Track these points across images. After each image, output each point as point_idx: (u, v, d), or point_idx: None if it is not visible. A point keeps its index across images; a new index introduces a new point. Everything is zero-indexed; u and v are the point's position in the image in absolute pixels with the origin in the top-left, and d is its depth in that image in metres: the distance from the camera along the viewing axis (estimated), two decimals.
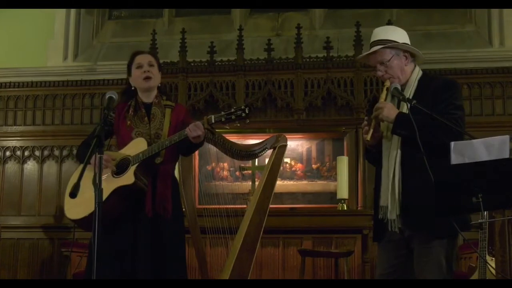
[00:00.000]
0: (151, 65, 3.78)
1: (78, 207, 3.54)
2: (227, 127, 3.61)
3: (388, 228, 3.24)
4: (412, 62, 3.40)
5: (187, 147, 3.63)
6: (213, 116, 3.47)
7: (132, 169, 3.50)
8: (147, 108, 3.77)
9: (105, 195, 3.32)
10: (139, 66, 3.77)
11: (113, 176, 3.51)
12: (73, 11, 7.60)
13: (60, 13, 7.57)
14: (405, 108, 3.25)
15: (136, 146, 3.59)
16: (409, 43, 3.40)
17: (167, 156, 3.65)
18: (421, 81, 3.35)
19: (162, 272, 3.53)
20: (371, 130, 3.22)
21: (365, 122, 3.28)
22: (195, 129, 3.43)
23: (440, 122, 3.11)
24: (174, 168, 3.84)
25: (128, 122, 3.71)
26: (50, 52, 7.54)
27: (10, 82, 7.44)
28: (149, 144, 3.57)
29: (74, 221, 3.62)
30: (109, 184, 3.40)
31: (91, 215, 3.41)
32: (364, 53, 3.42)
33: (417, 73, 3.38)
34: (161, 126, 3.71)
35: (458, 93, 3.34)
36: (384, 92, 3.31)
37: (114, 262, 3.46)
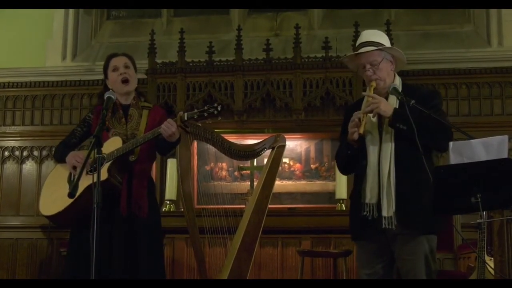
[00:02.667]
0: (126, 67, 3.81)
1: (52, 204, 3.60)
2: (199, 124, 3.65)
3: (372, 226, 3.28)
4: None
5: (164, 146, 3.67)
6: (186, 114, 3.53)
7: (106, 166, 3.51)
8: (125, 109, 3.81)
9: (78, 192, 3.35)
10: (115, 69, 3.80)
11: (87, 174, 3.53)
12: (71, 11, 7.60)
13: (59, 13, 7.57)
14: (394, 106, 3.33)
15: (112, 145, 3.62)
16: None
17: (142, 155, 3.69)
18: (404, 88, 3.45)
19: (136, 272, 3.55)
20: (364, 123, 3.25)
21: (358, 116, 3.30)
22: (168, 127, 3.48)
23: (434, 122, 3.19)
24: (150, 168, 3.89)
25: (106, 123, 3.73)
26: (49, 52, 7.54)
27: (8, 82, 7.44)
28: (124, 143, 3.60)
29: (48, 217, 3.68)
30: (83, 181, 3.39)
31: (64, 211, 3.53)
32: (358, 51, 3.46)
33: (399, 79, 3.48)
34: (138, 126, 3.75)
35: (442, 102, 3.52)
36: (372, 92, 3.36)
37: (89, 260, 3.46)
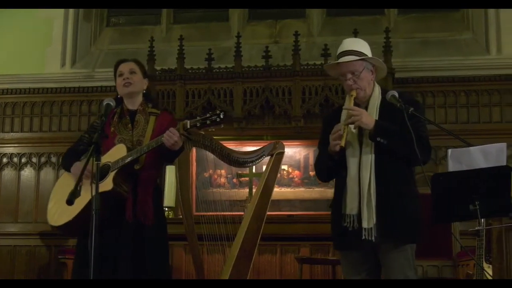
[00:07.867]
0: (132, 72, 3.83)
1: (60, 214, 3.58)
2: (202, 132, 3.62)
3: (353, 236, 3.23)
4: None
5: (168, 154, 3.65)
6: (188, 122, 3.48)
7: (111, 175, 3.51)
8: (132, 115, 3.80)
9: (84, 202, 3.35)
10: (120, 75, 3.84)
11: (93, 183, 3.52)
12: (71, 18, 7.60)
13: (58, 20, 7.57)
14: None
15: (117, 153, 3.60)
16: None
17: (147, 163, 3.66)
18: (384, 95, 3.44)
19: (142, 276, 3.53)
20: (346, 136, 3.24)
21: (339, 129, 3.28)
22: (170, 136, 3.45)
23: (412, 135, 3.16)
24: (157, 175, 3.85)
25: (112, 129, 3.74)
26: (48, 59, 7.53)
27: (7, 89, 7.44)
28: (129, 151, 3.59)
29: (56, 227, 3.65)
30: (89, 191, 3.39)
31: (72, 221, 3.50)
32: (338, 61, 3.43)
33: (379, 88, 3.48)
34: (144, 133, 3.73)
35: (424, 112, 3.50)
36: (352, 101, 3.37)
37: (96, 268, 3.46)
